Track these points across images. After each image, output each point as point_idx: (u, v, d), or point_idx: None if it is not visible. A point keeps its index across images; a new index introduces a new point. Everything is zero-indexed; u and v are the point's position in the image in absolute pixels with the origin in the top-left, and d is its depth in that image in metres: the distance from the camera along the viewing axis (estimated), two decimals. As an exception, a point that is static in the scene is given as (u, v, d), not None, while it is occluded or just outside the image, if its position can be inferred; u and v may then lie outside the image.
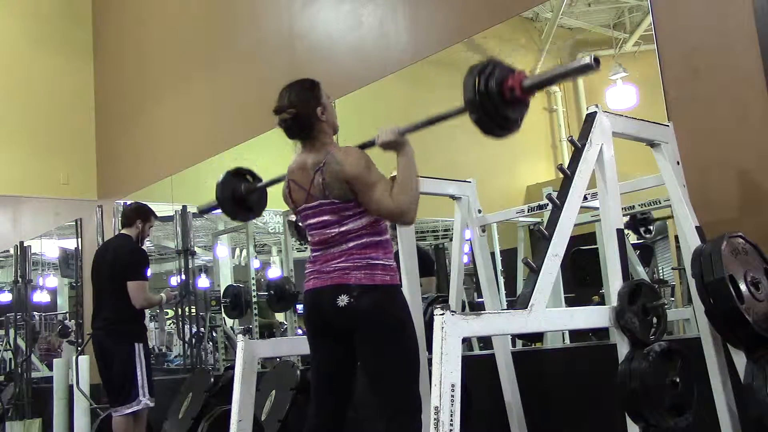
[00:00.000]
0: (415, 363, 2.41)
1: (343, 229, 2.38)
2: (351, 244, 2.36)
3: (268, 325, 6.48)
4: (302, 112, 2.44)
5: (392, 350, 2.35)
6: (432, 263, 4.69)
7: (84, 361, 5.56)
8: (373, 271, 2.34)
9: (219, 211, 3.05)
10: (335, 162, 2.37)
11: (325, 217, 2.40)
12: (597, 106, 2.47)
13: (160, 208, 7.47)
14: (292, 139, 2.52)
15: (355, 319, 2.33)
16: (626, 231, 2.61)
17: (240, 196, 2.90)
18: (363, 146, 2.52)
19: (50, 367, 6.64)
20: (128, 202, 6.76)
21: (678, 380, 2.21)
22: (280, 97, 2.49)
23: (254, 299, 5.76)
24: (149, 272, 4.47)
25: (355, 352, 2.40)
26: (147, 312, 7.35)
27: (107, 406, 5.28)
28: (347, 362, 2.45)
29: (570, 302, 3.76)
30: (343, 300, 2.32)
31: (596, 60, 1.95)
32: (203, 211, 3.09)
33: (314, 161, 2.41)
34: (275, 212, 7.56)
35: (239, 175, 2.95)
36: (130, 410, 4.25)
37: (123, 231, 4.53)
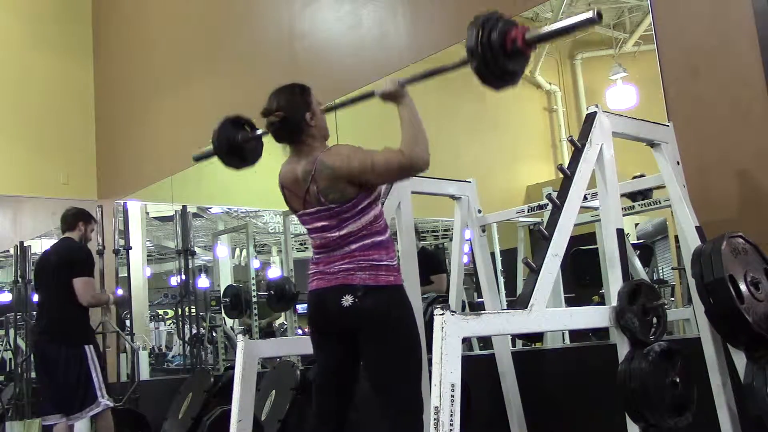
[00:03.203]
0: (418, 363, 2.41)
1: (342, 232, 2.37)
2: (353, 246, 2.36)
3: (265, 325, 6.48)
4: (290, 116, 2.42)
5: (396, 351, 2.35)
6: (440, 261, 4.69)
7: (84, 361, 5.54)
8: (377, 272, 2.34)
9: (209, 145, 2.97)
10: (325, 167, 2.35)
11: (324, 222, 2.40)
12: (597, 106, 2.47)
13: (160, 208, 7.51)
14: (279, 142, 2.51)
15: (359, 319, 2.33)
16: (626, 233, 2.60)
17: (236, 144, 2.87)
18: (361, 98, 2.53)
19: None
20: (126, 202, 6.78)
21: (678, 380, 2.21)
22: (269, 101, 2.48)
23: (254, 299, 5.77)
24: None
25: (358, 353, 2.40)
26: (147, 312, 7.38)
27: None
28: (350, 363, 2.45)
29: (570, 302, 3.77)
30: (347, 300, 2.32)
31: (599, 14, 1.96)
32: (198, 159, 3.07)
33: (304, 171, 2.40)
34: (275, 212, 7.59)
35: (237, 123, 2.91)
36: (91, 413, 4.16)
37: (65, 235, 4.50)
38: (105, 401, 4.22)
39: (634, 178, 3.11)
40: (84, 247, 4.48)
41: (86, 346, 4.23)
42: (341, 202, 2.36)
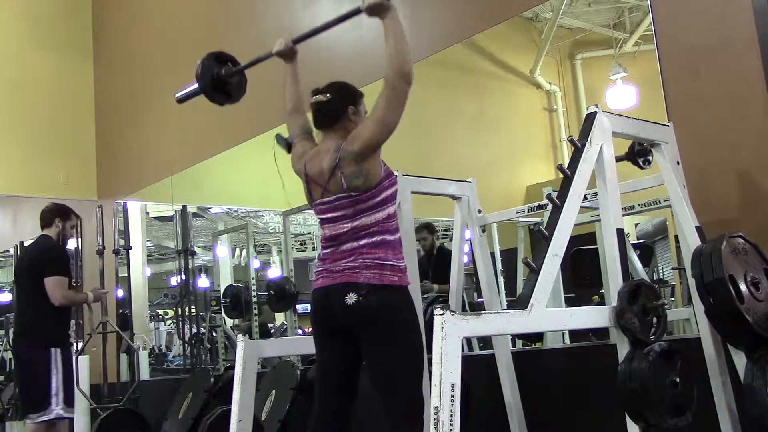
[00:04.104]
0: (420, 363, 2.41)
1: (355, 224, 2.39)
2: (362, 242, 2.37)
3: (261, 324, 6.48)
4: (336, 101, 2.50)
5: (398, 350, 2.35)
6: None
7: (84, 361, 5.55)
8: (383, 271, 2.35)
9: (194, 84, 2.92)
10: (348, 154, 2.39)
11: (340, 212, 2.42)
12: (597, 106, 2.47)
13: (160, 208, 7.51)
14: (318, 126, 2.56)
15: (362, 318, 2.34)
16: (626, 233, 2.60)
17: (221, 78, 2.86)
18: (348, 15, 2.60)
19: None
20: (126, 202, 6.77)
21: (678, 380, 2.21)
22: (325, 85, 2.56)
23: (254, 299, 5.77)
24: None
25: (360, 352, 2.40)
26: (147, 312, 7.37)
27: (107, 405, 5.29)
28: (352, 362, 2.45)
29: (570, 302, 3.77)
30: (351, 298, 2.33)
31: None
32: (182, 99, 3.05)
33: (330, 161, 2.43)
34: (275, 212, 7.58)
35: (220, 58, 2.91)
36: (41, 419, 4.04)
37: (43, 232, 4.40)
38: (57, 410, 4.06)
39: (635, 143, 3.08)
40: (56, 245, 4.37)
41: (52, 349, 4.11)
42: (363, 190, 2.39)
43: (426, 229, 4.66)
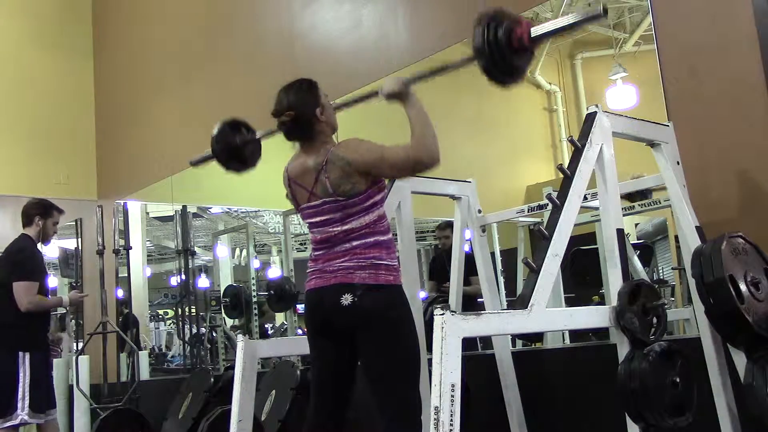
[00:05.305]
0: (416, 364, 2.41)
1: (345, 227, 2.37)
2: (355, 243, 2.36)
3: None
4: (301, 113, 2.42)
5: (394, 351, 2.34)
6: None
7: (84, 361, 5.56)
8: (377, 271, 2.33)
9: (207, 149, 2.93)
10: (338, 159, 2.35)
11: (328, 216, 2.40)
12: (597, 106, 2.47)
13: (160, 208, 7.51)
14: (290, 140, 2.51)
15: (357, 319, 2.32)
16: (626, 233, 2.60)
17: (235, 146, 2.86)
18: (365, 98, 2.55)
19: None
20: (126, 202, 6.77)
21: (678, 380, 2.21)
22: (278, 100, 2.48)
23: (254, 299, 5.77)
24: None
25: (356, 352, 2.39)
26: (147, 312, 7.37)
27: (107, 405, 5.29)
28: (348, 362, 2.44)
29: (570, 302, 3.77)
30: (346, 299, 2.31)
31: (605, 9, 1.97)
32: (196, 163, 3.07)
33: (316, 162, 2.40)
34: (275, 212, 7.59)
35: (234, 126, 2.90)
36: (6, 425, 3.94)
37: (24, 231, 4.27)
38: (23, 415, 3.98)
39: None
40: (27, 247, 4.20)
41: (20, 353, 4.00)
42: (350, 195, 2.36)
43: (450, 227, 4.69)
